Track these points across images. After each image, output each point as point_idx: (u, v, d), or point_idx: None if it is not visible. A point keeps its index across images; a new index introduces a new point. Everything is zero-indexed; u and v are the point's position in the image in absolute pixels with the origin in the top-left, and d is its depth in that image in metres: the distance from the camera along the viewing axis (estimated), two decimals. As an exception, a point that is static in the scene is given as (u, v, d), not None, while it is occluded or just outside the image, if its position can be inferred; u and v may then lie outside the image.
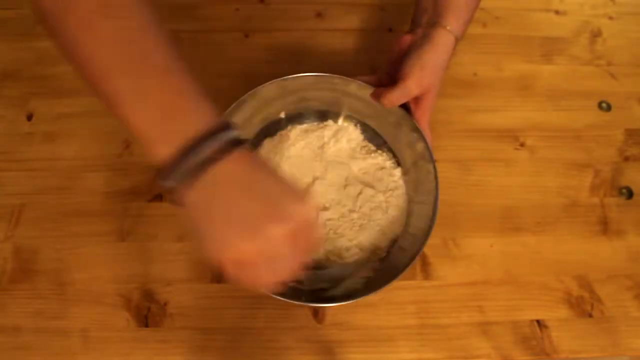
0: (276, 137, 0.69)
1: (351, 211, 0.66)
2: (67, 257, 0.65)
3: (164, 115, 0.38)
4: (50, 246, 0.65)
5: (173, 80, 0.39)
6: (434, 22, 0.60)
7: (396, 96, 0.60)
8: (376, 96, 0.62)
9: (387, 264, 0.63)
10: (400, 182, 0.67)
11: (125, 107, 0.38)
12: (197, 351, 0.61)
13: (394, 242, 0.64)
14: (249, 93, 0.61)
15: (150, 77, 0.38)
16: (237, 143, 0.39)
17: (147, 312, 0.62)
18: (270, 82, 0.63)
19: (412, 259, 0.57)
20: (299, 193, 0.40)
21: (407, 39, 0.62)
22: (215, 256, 0.38)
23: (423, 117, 0.62)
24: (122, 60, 0.38)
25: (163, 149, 0.37)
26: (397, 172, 0.68)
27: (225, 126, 0.39)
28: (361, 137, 0.71)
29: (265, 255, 0.38)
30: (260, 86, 0.62)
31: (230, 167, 0.38)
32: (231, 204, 0.38)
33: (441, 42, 0.59)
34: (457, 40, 0.61)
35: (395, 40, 0.63)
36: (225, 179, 0.38)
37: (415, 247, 0.58)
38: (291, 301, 0.55)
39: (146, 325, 0.61)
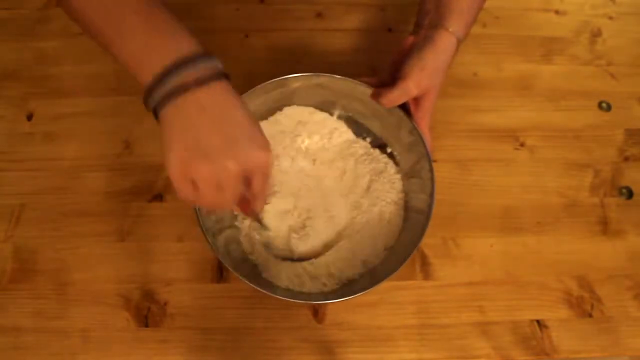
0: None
1: (348, 214, 0.66)
2: (67, 257, 0.65)
3: (147, 46, 0.43)
4: (50, 246, 0.65)
5: (153, 18, 0.44)
6: (436, 24, 0.60)
7: (395, 96, 0.60)
8: (376, 96, 0.62)
9: (384, 262, 0.63)
10: (398, 184, 0.67)
11: (114, 45, 0.44)
12: (197, 351, 0.61)
13: (390, 247, 0.64)
14: (247, 92, 0.61)
15: (131, 18, 0.44)
16: (216, 76, 0.43)
17: (147, 312, 0.62)
18: (269, 81, 0.63)
19: (406, 257, 0.57)
20: (260, 140, 0.45)
21: (409, 40, 0.62)
22: (171, 171, 0.44)
23: (423, 118, 0.62)
24: (107, 10, 0.45)
25: (148, 74, 0.42)
26: (396, 175, 0.68)
27: (205, 55, 0.43)
28: (358, 137, 0.71)
29: (215, 183, 0.44)
30: (260, 85, 0.62)
31: (205, 97, 0.42)
32: (197, 132, 0.42)
33: (442, 44, 0.59)
34: (460, 42, 0.60)
35: (397, 41, 0.63)
36: (197, 107, 0.42)
37: (410, 247, 0.58)
38: (285, 298, 0.56)
39: (146, 325, 0.61)
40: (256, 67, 0.78)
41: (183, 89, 0.42)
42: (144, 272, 0.64)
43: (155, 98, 0.43)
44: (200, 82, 0.42)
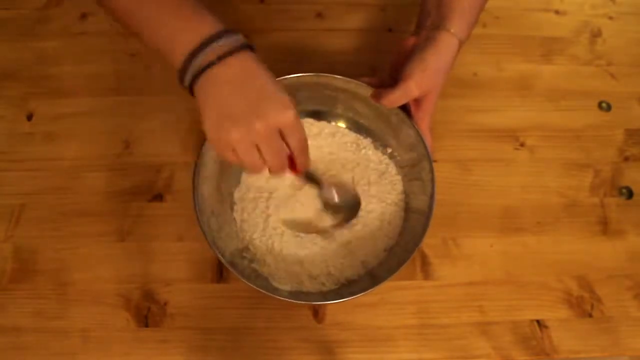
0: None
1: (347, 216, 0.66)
2: (67, 257, 0.65)
3: (176, 31, 0.49)
4: (50, 246, 0.65)
5: (179, 5, 0.49)
6: (438, 25, 0.60)
7: (396, 97, 0.60)
8: (376, 96, 0.62)
9: (383, 263, 0.63)
10: (399, 185, 0.67)
11: (147, 33, 0.50)
12: (197, 351, 0.61)
13: (390, 248, 0.64)
14: None
15: (160, 7, 0.49)
16: (238, 48, 0.48)
17: (147, 312, 0.62)
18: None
19: (406, 258, 0.57)
20: (282, 99, 0.49)
21: (411, 41, 0.62)
22: (209, 138, 0.49)
23: (423, 119, 0.62)
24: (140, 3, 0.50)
25: (180, 56, 0.48)
26: (397, 176, 0.68)
27: (225, 33, 0.48)
28: (359, 138, 0.71)
29: (249, 144, 0.48)
30: None
31: (227, 69, 0.47)
32: (224, 100, 0.48)
33: (444, 45, 0.59)
34: (461, 43, 0.60)
35: (398, 42, 0.63)
36: (222, 79, 0.47)
37: (410, 248, 0.58)
38: (284, 299, 0.56)
39: (146, 325, 0.61)
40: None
41: (208, 65, 0.47)
42: (144, 272, 0.64)
43: (187, 77, 0.48)
44: (222, 57, 0.47)
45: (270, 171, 0.52)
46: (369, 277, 0.62)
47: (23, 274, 0.64)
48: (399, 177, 0.68)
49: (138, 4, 0.50)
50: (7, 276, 0.64)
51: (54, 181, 0.69)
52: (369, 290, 0.56)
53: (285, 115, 0.48)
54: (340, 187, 0.65)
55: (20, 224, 0.67)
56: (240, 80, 0.48)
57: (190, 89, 0.49)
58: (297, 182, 0.65)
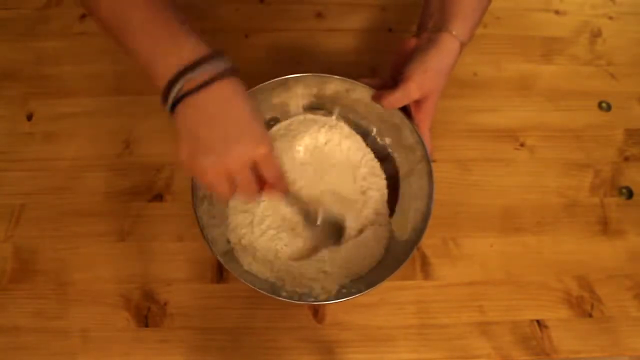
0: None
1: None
2: (67, 257, 0.65)
3: (156, 55, 0.48)
4: (50, 246, 0.65)
5: (160, 26, 0.48)
6: (440, 27, 0.59)
7: (396, 98, 0.60)
8: (377, 98, 0.62)
9: (382, 263, 0.63)
10: (384, 190, 0.68)
11: (132, 54, 0.49)
12: (197, 351, 0.61)
13: (388, 248, 0.65)
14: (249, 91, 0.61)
15: (141, 28, 0.48)
16: (218, 76, 0.47)
17: (147, 312, 0.62)
18: (269, 81, 0.63)
19: (405, 258, 0.57)
20: (257, 134, 0.49)
21: (412, 42, 0.62)
22: (182, 161, 0.49)
23: (424, 121, 0.62)
24: (122, 21, 0.49)
25: (161, 82, 0.47)
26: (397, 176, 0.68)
27: (206, 59, 0.46)
28: (358, 138, 0.71)
29: (223, 176, 0.48)
30: (259, 86, 0.62)
31: (204, 98, 0.46)
32: (199, 128, 0.47)
33: (446, 47, 0.59)
34: (463, 45, 0.60)
35: (399, 43, 0.63)
36: (198, 108, 0.47)
37: (409, 248, 0.59)
38: (284, 299, 0.57)
39: (146, 325, 0.61)
40: (256, 67, 0.77)
41: (187, 92, 0.46)
42: (144, 272, 0.64)
43: (167, 104, 0.48)
44: (201, 85, 0.46)
45: (241, 197, 0.53)
46: (369, 278, 0.62)
47: (23, 274, 0.64)
48: (399, 177, 0.68)
49: (123, 18, 0.49)
50: (7, 276, 0.64)
51: (54, 181, 0.69)
52: (368, 290, 0.56)
53: (257, 151, 0.48)
54: (326, 212, 0.65)
55: (20, 224, 0.67)
56: (216, 111, 0.47)
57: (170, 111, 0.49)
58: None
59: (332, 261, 0.63)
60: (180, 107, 0.47)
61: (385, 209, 0.67)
